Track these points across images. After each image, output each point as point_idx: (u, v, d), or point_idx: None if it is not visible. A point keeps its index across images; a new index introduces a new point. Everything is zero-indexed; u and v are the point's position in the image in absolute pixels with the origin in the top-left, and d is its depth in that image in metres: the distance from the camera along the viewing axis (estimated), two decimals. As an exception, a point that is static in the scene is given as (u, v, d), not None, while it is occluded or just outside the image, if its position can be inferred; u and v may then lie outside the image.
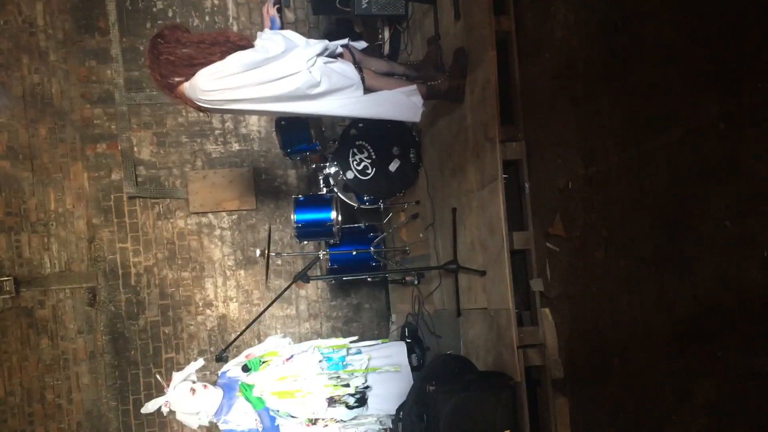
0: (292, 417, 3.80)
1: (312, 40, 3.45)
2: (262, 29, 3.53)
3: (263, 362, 3.93)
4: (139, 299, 6.12)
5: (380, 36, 5.06)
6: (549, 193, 3.40)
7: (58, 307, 6.02)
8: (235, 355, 4.14)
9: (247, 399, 3.73)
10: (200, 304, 6.23)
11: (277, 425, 3.77)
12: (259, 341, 6.17)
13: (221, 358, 4.05)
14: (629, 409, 2.84)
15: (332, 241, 5.10)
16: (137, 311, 6.11)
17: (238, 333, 4.50)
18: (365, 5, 4.51)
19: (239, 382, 3.82)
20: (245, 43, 3.25)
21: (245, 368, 3.83)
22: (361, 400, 3.91)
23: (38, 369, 5.99)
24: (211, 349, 6.15)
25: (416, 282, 5.02)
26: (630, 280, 2.74)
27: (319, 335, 6.31)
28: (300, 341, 4.29)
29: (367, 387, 3.96)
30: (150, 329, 6.12)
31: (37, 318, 5.99)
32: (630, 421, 2.83)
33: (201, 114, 5.47)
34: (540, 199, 3.51)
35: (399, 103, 3.68)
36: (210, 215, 6.25)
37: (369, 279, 5.82)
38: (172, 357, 6.14)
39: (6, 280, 5.84)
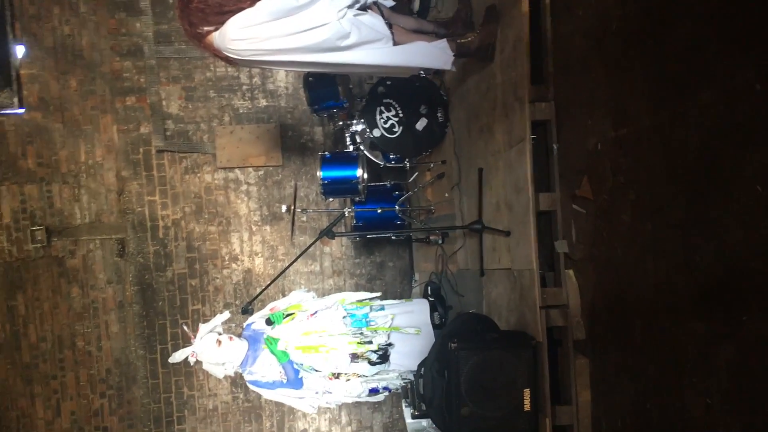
0: (316, 371, 3.87)
1: None
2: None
3: (287, 316, 4.00)
4: (167, 251, 6.23)
5: (411, -8, 5.00)
6: (577, 155, 3.37)
7: (88, 257, 6.15)
8: (260, 309, 4.22)
9: (272, 352, 3.81)
10: (226, 258, 6.32)
11: (301, 377, 3.85)
12: (284, 296, 6.27)
13: (246, 311, 4.11)
14: (650, 371, 2.85)
15: (357, 198, 5.13)
16: (165, 263, 6.22)
17: (263, 287, 4.56)
18: (396, -40, 4.44)
19: (264, 336, 3.89)
20: None
21: (269, 321, 3.90)
22: (384, 357, 3.97)
23: (69, 317, 6.15)
24: (237, 302, 6.26)
25: (440, 241, 5.03)
26: (656, 243, 2.73)
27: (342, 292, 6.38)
28: (323, 296, 4.35)
29: (389, 344, 4.01)
30: (177, 281, 6.24)
31: (68, 267, 6.13)
32: (651, 383, 2.84)
33: (229, 67, 5.47)
34: (568, 160, 3.48)
35: (429, 52, 3.64)
36: (237, 170, 6.30)
37: (393, 237, 5.86)
38: (198, 309, 6.26)
39: (38, 230, 5.98)
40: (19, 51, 5.99)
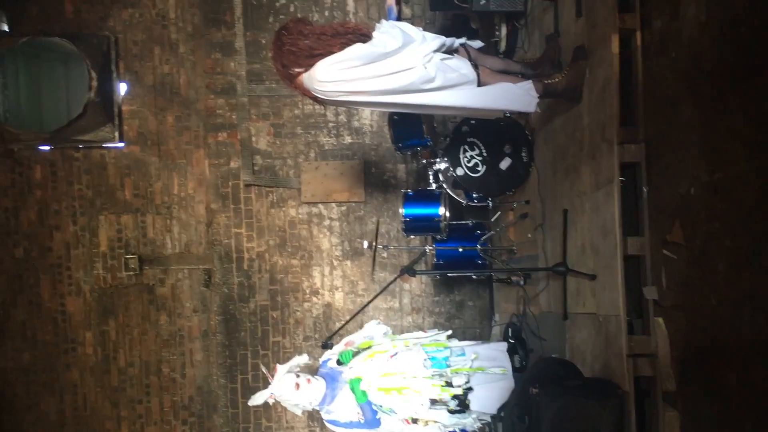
0: (394, 413, 3.82)
1: (429, 35, 3.48)
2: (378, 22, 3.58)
3: (356, 354, 3.98)
4: (251, 283, 6.37)
5: (497, 33, 5.02)
6: (668, 199, 3.27)
7: (177, 285, 6.37)
8: (338, 343, 4.23)
9: (353, 391, 3.77)
10: (307, 291, 6.41)
11: (378, 419, 3.81)
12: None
13: (326, 346, 4.12)
14: (746, 428, 2.70)
15: (439, 236, 5.12)
16: (248, 294, 6.37)
17: (343, 322, 4.59)
18: (483, 1, 4.49)
19: (342, 374, 3.87)
20: (365, 31, 3.32)
21: (339, 362, 3.88)
22: (462, 405, 3.85)
23: (156, 343, 6.36)
24: (316, 336, 6.32)
25: (522, 282, 4.95)
26: (754, 293, 2.60)
27: (421, 329, 6.34)
28: (401, 334, 4.32)
29: (469, 388, 3.92)
30: (259, 312, 6.36)
31: (158, 295, 6.36)
32: (747, 441, 2.69)
33: (317, 106, 5.62)
34: (658, 204, 3.38)
35: (513, 93, 3.64)
36: (320, 205, 6.41)
37: (474, 277, 5.80)
38: (279, 341, 6.35)
39: (131, 258, 6.24)
40: (122, 88, 6.35)
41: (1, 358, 6.32)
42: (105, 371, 6.35)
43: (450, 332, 4.29)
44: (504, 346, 4.44)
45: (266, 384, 3.79)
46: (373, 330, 4.24)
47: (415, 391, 3.75)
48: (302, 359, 3.86)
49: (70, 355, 6.35)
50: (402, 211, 4.93)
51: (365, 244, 5.05)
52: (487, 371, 4.02)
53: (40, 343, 6.33)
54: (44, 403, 6.34)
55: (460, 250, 5.13)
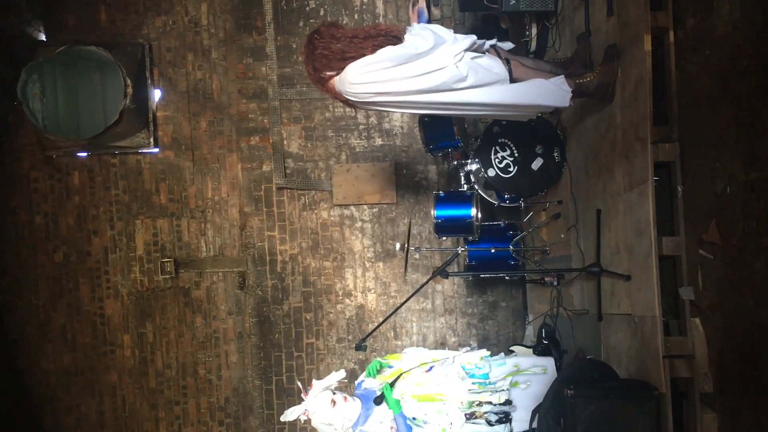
0: (428, 424, 3.71)
1: (459, 35, 3.48)
2: (409, 25, 3.60)
3: (382, 368, 3.93)
4: (284, 285, 6.43)
5: (527, 32, 4.99)
6: (704, 198, 3.23)
7: (212, 288, 6.46)
8: (372, 344, 4.15)
9: (386, 400, 3.67)
10: (340, 293, 6.45)
11: None
12: (395, 333, 6.32)
13: (360, 348, 4.12)
14: (787, 431, 2.66)
15: (471, 237, 5.11)
16: (282, 297, 6.43)
17: (376, 324, 4.61)
18: (513, 1, 4.47)
19: (379, 382, 3.81)
20: (396, 33, 3.34)
21: (378, 401, 3.66)
22: (504, 419, 3.72)
23: (192, 345, 6.46)
24: (349, 337, 6.36)
25: (555, 283, 4.92)
26: (793, 293, 2.56)
27: (454, 331, 6.35)
28: (434, 335, 4.27)
29: (510, 404, 3.76)
30: (293, 314, 6.42)
31: (193, 298, 6.46)
32: (787, 444, 2.65)
33: (347, 109, 5.65)
34: (693, 203, 3.34)
35: (546, 88, 3.60)
36: (352, 208, 6.45)
37: (507, 277, 5.78)
38: (312, 342, 6.40)
39: (167, 262, 6.35)
40: (156, 95, 6.46)
41: (42, 360, 6.48)
42: (143, 373, 6.47)
43: (488, 353, 4.04)
44: (550, 361, 4.29)
45: (301, 396, 3.72)
46: (413, 354, 4.15)
47: (451, 397, 3.67)
48: (339, 375, 3.74)
49: (108, 357, 6.48)
50: (434, 212, 4.94)
51: (397, 245, 5.06)
52: (527, 372, 3.92)
53: (79, 345, 6.47)
54: (84, 405, 6.48)
55: (493, 251, 5.12)
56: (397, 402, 3.69)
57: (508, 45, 3.76)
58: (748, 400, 2.94)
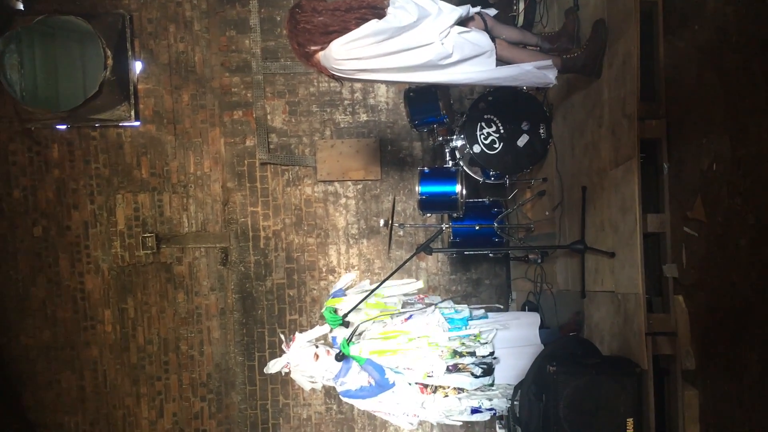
0: (408, 370, 3.75)
1: (445, 5, 3.42)
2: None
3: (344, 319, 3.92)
4: (267, 261, 6.39)
5: (515, 6, 4.93)
6: (690, 175, 3.22)
7: (194, 264, 6.40)
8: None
9: (346, 354, 3.75)
10: (323, 269, 6.42)
11: (387, 378, 3.72)
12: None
13: (344, 324, 4.11)
14: (766, 407, 2.66)
15: (455, 214, 5.08)
16: (265, 273, 6.38)
17: (359, 300, 4.58)
18: (501, -25, 4.41)
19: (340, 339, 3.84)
20: (379, 4, 3.27)
21: (339, 357, 3.75)
22: (488, 370, 3.81)
23: (174, 321, 6.41)
24: (332, 314, 6.33)
25: (539, 260, 4.92)
26: (777, 271, 2.56)
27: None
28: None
29: (495, 357, 3.87)
30: (276, 291, 6.38)
31: (175, 273, 6.40)
32: (767, 420, 2.66)
33: (332, 83, 5.58)
34: (679, 180, 3.32)
35: (531, 74, 3.61)
36: (336, 184, 6.39)
37: (491, 255, 5.77)
38: (296, 319, 6.38)
39: (149, 237, 6.27)
40: (137, 67, 6.34)
41: (22, 336, 6.40)
42: (124, 348, 6.42)
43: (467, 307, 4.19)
44: (535, 316, 4.36)
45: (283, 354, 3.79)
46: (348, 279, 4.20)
47: (431, 344, 3.70)
48: (324, 329, 3.85)
49: (89, 332, 6.42)
50: (418, 188, 4.90)
51: (381, 222, 5.03)
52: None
53: (59, 320, 6.41)
54: (65, 380, 6.43)
55: (477, 228, 5.10)
56: (359, 357, 3.73)
57: (492, 11, 3.71)
58: (729, 377, 2.95)
